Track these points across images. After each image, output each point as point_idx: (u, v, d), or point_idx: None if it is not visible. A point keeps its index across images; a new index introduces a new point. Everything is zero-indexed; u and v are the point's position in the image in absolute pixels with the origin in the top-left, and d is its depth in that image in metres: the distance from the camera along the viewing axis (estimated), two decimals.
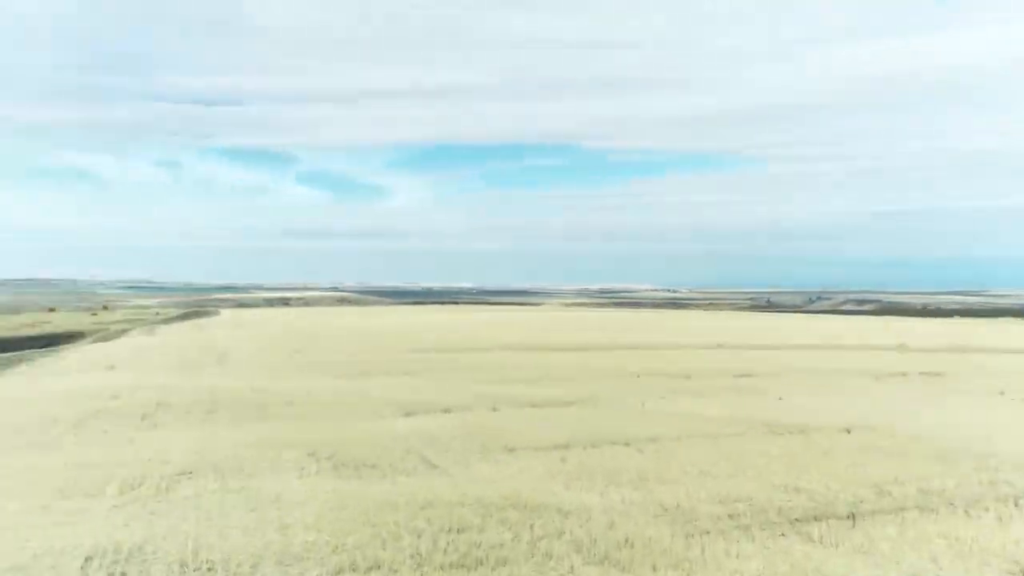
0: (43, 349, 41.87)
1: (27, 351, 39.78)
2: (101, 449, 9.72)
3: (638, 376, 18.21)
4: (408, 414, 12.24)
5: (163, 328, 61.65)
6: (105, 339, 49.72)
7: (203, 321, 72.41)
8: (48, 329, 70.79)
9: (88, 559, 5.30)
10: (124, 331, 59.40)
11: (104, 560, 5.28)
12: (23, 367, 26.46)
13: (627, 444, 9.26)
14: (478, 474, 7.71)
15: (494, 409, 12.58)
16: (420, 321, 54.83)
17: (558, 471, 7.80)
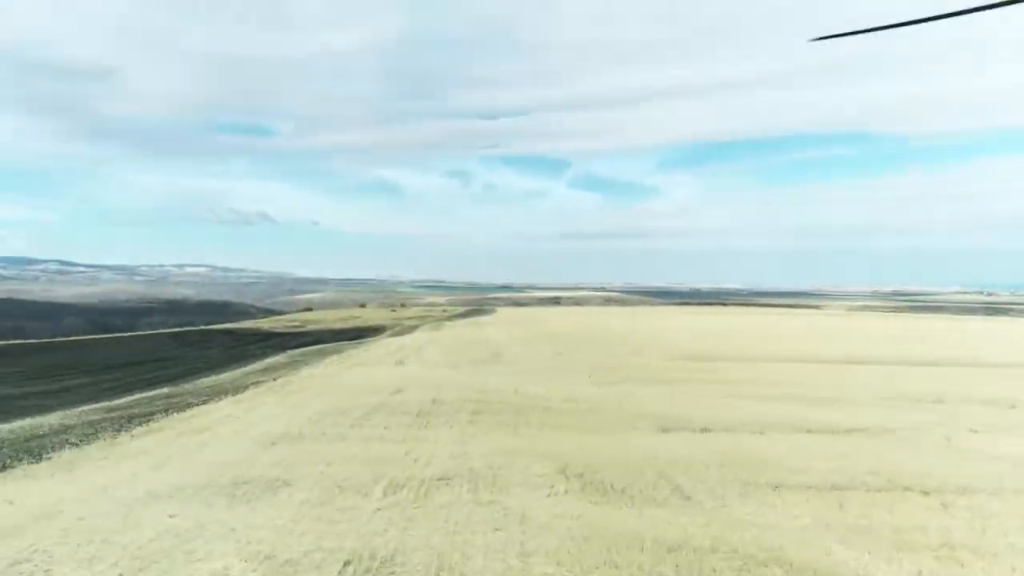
0: (352, 342, 48.26)
1: (341, 343, 46.15)
2: (379, 445, 10.59)
3: (941, 401, 15.48)
4: (664, 430, 11.62)
5: (447, 324, 67.62)
6: (399, 334, 55.77)
7: (481, 319, 78.12)
8: (357, 323, 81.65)
9: (346, 563, 5.62)
10: (415, 327, 66.25)
11: (359, 567, 5.56)
12: (334, 358, 30.45)
13: (926, 493, 7.69)
14: (736, 514, 6.89)
15: (760, 432, 11.43)
16: (684, 324, 53.31)
17: (833, 521, 6.68)
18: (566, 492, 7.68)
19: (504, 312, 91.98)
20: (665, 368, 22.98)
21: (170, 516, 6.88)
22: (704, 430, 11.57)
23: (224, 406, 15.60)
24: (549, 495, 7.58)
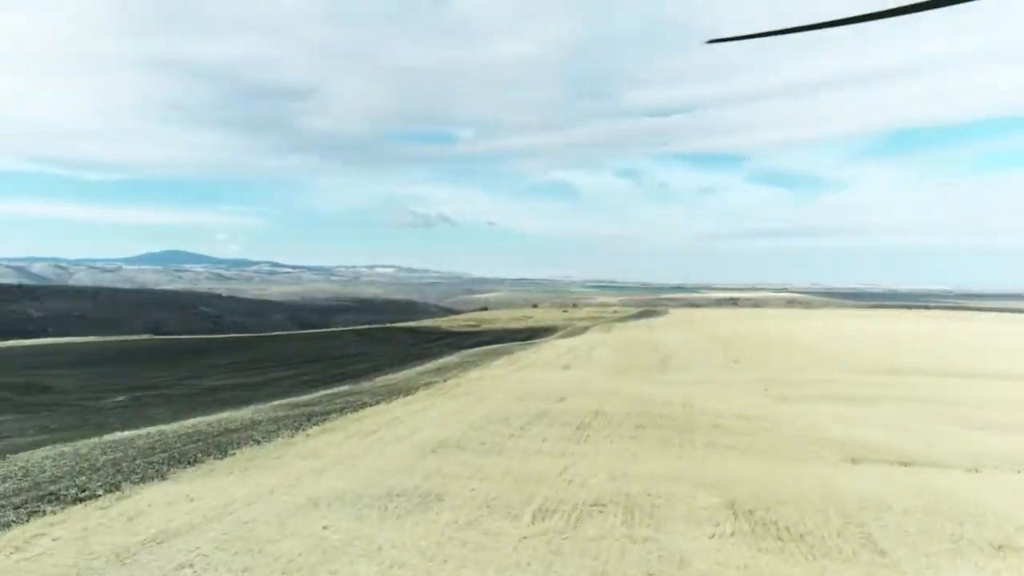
0: (522, 342, 48.95)
1: (512, 343, 46.98)
2: (535, 460, 10.26)
3: None
4: (854, 461, 10.25)
5: (618, 326, 66.72)
6: (569, 335, 55.80)
7: (653, 321, 76.32)
8: (529, 324, 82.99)
9: None
10: (585, 328, 66.05)
11: None
12: (503, 360, 30.85)
13: None
14: None
15: (974, 470, 9.72)
16: (878, 330, 48.37)
17: None
18: (732, 533, 6.85)
19: (677, 314, 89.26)
20: (855, 382, 20.73)
21: (323, 528, 6.97)
22: (903, 463, 10.05)
23: (394, 408, 16.12)
24: (713, 536, 6.80)
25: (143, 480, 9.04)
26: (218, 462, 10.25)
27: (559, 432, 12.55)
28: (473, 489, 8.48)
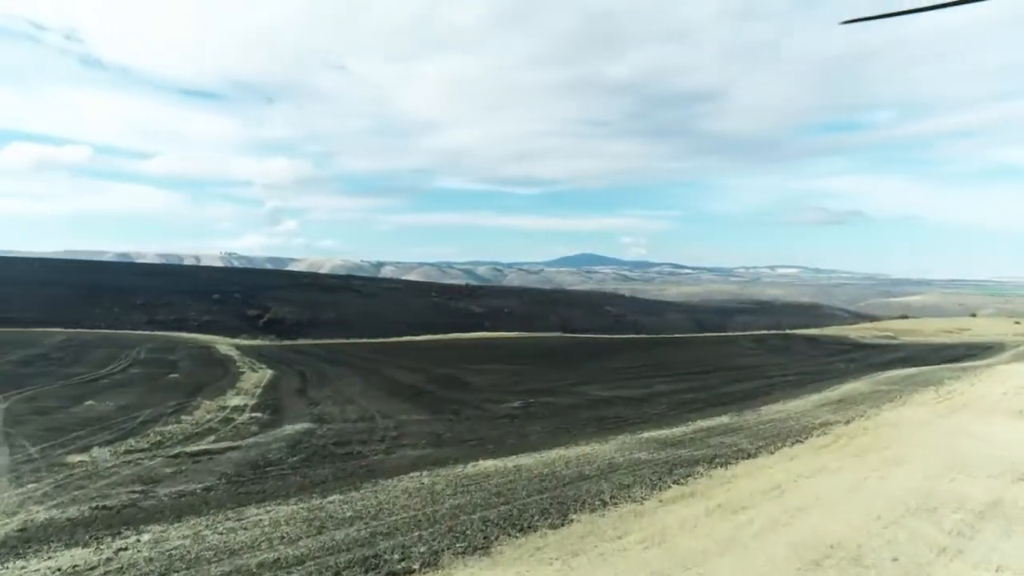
0: (954, 365, 39.97)
1: (940, 366, 38.52)
2: None
3: None
4: None
5: None
6: (1022, 357, 44.10)
7: None
8: (965, 338, 68.67)
9: None
10: None
11: None
12: (928, 394, 24.82)
13: None
14: None
15: None
16: None
17: None
18: None
19: None
20: None
21: None
22: None
23: (774, 465, 13.25)
24: None
25: (464, 552, 8.15)
26: (551, 533, 8.95)
27: (1011, 535, 8.45)
28: None
